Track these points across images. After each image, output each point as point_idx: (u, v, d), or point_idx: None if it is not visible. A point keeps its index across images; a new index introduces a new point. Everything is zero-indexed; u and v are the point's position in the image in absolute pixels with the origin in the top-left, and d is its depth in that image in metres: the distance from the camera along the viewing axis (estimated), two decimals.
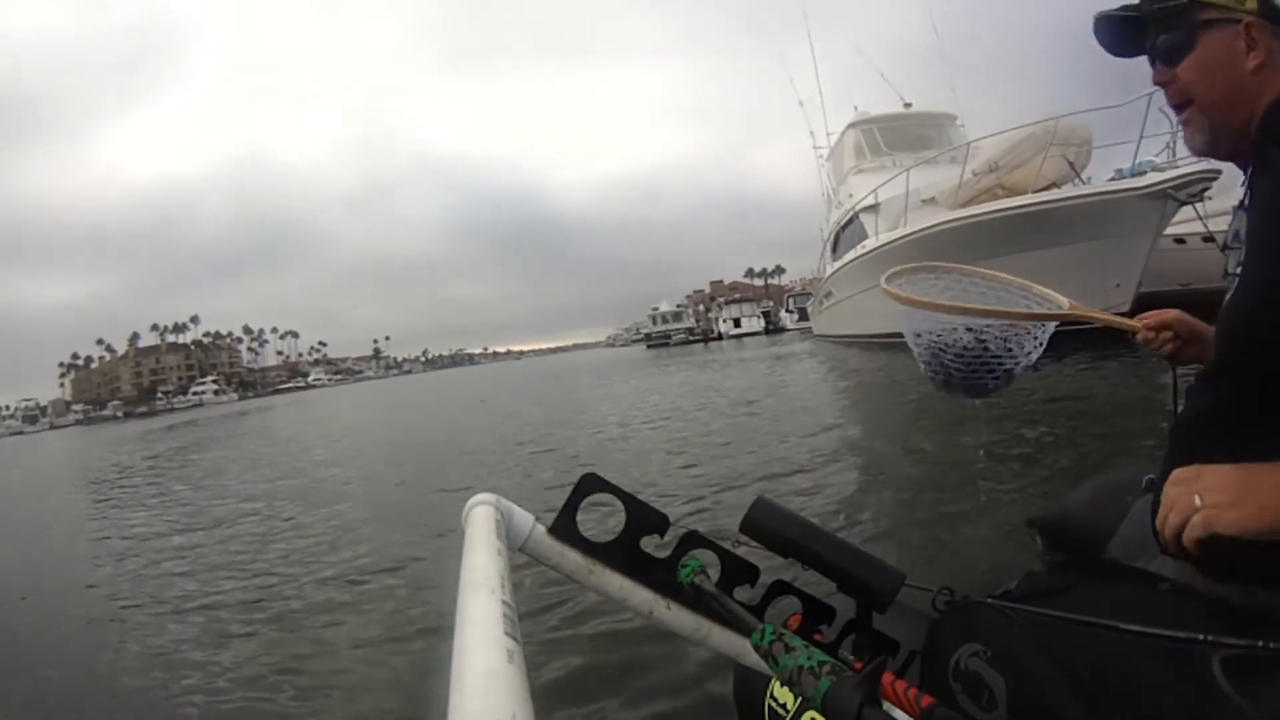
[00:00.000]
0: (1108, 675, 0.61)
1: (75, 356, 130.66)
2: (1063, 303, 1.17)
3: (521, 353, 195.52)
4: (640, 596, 0.85)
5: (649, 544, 0.87)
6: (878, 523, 2.76)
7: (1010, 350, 1.12)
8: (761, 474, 3.92)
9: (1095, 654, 0.62)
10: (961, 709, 0.68)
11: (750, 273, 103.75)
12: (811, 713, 0.77)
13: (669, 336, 53.12)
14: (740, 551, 0.88)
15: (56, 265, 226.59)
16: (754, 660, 0.76)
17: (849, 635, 0.86)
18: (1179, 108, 0.84)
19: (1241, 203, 0.78)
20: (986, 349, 1.11)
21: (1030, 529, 1.86)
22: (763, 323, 52.04)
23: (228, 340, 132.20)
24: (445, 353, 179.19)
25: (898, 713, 0.64)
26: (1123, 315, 1.12)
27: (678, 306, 62.38)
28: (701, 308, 72.92)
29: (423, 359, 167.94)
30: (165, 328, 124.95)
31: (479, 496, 0.78)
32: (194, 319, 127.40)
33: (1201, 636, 0.57)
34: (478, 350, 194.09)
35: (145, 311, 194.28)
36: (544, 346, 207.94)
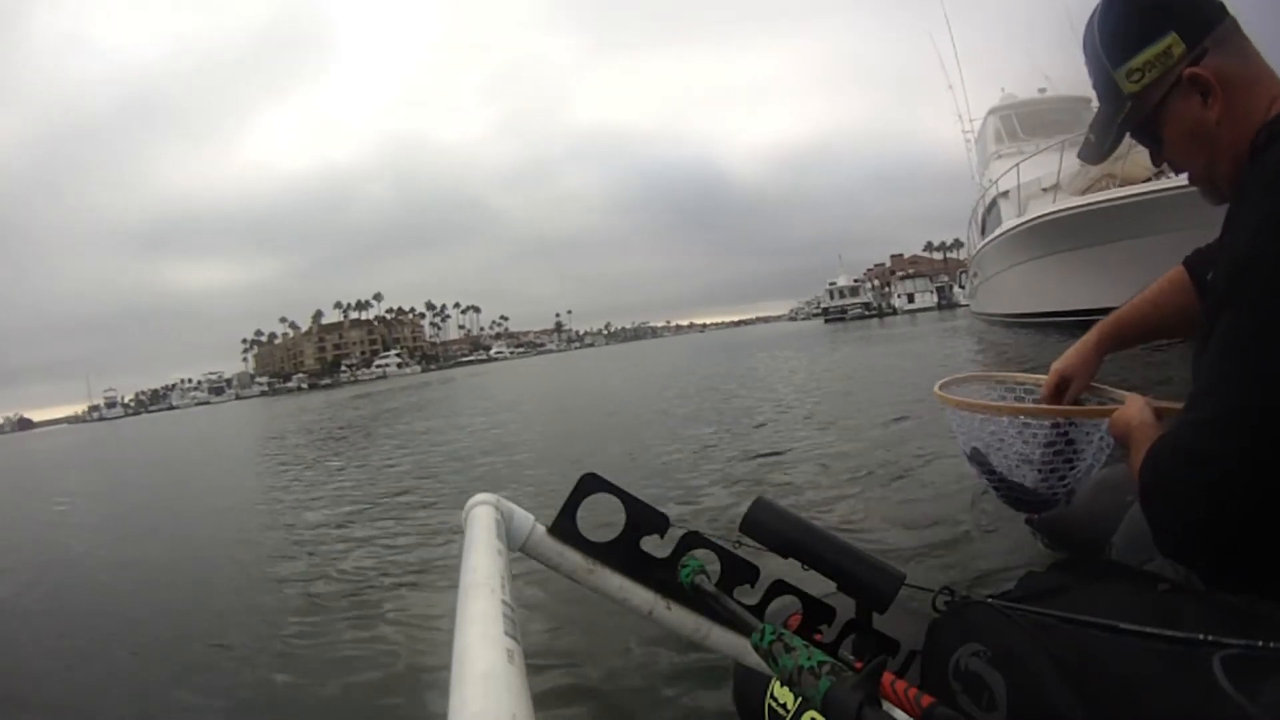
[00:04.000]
0: (1108, 675, 0.61)
1: (258, 333, 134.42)
2: (1123, 398, 1.08)
3: (704, 326, 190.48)
4: (640, 596, 0.85)
5: (649, 544, 0.87)
6: (876, 522, 2.76)
7: (1078, 455, 1.06)
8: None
9: (1096, 654, 0.62)
10: (962, 709, 0.68)
11: (929, 246, 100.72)
12: (811, 713, 0.77)
13: (845, 311, 54.12)
14: (740, 551, 0.88)
15: (236, 251, 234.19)
16: (754, 660, 0.76)
17: (849, 635, 0.86)
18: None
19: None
20: (1059, 453, 1.06)
21: (1030, 528, 1.86)
22: (935, 298, 52.09)
23: (410, 315, 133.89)
24: (627, 326, 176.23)
25: (898, 712, 0.64)
26: None
27: (854, 281, 63.23)
28: (877, 282, 72.72)
29: (604, 332, 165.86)
30: (348, 305, 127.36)
31: (479, 496, 0.78)
32: (377, 296, 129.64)
33: (1202, 636, 0.57)
34: (660, 323, 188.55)
35: (329, 290, 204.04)
36: (727, 320, 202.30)
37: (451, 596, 0.52)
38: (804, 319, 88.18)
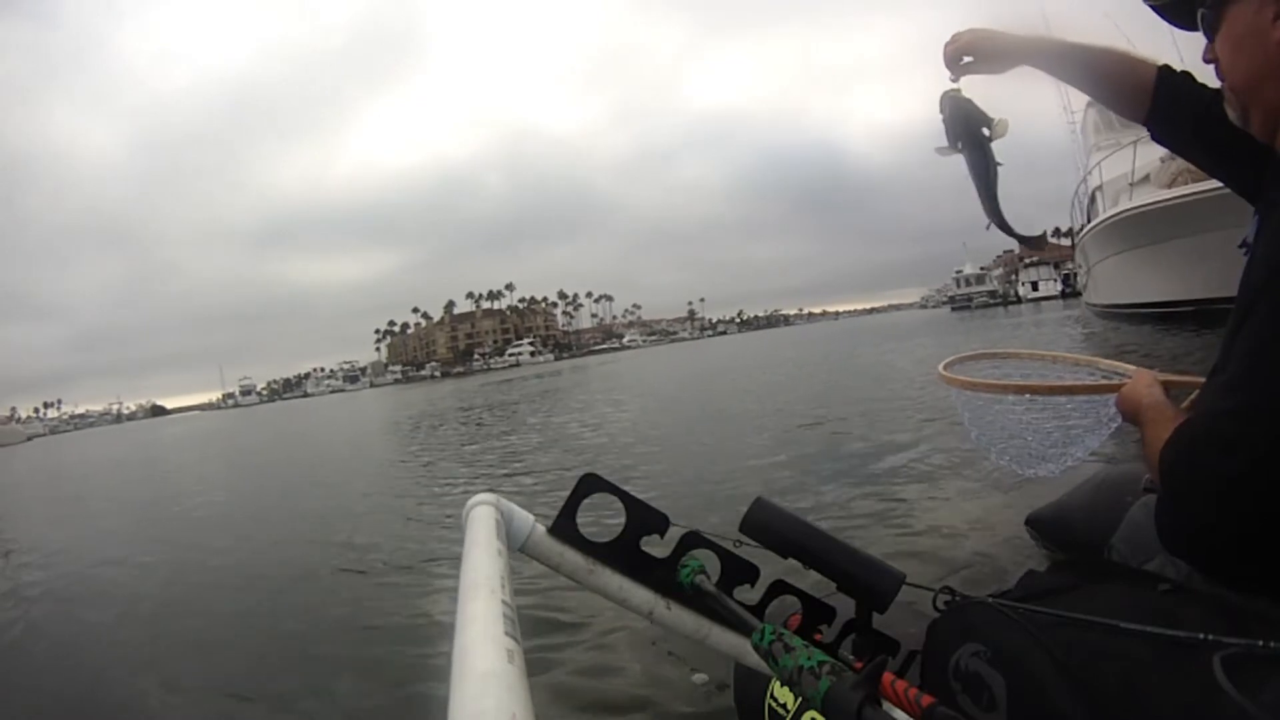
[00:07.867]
0: (1108, 674, 0.61)
1: (391, 324, 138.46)
2: (1130, 372, 1.10)
3: (838, 314, 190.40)
4: (640, 596, 0.85)
5: (649, 544, 0.87)
6: (876, 521, 2.76)
7: (1086, 430, 1.07)
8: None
9: (1096, 653, 0.62)
10: (962, 709, 0.68)
11: (1058, 232, 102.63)
12: (811, 713, 0.77)
13: (970, 300, 55.77)
14: (740, 551, 0.88)
15: (363, 244, 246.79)
16: (754, 660, 0.76)
17: (849, 635, 0.86)
18: (1222, 82, 0.78)
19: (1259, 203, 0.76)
20: (1064, 426, 1.07)
21: (1029, 528, 1.86)
22: (1060, 286, 51.08)
23: (543, 305, 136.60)
24: (760, 314, 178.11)
25: (898, 712, 0.64)
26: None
27: (980, 269, 64.51)
28: (1003, 270, 73.10)
29: (737, 320, 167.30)
30: (480, 295, 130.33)
31: (479, 497, 0.78)
32: (509, 286, 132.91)
33: (1202, 636, 0.57)
34: (793, 311, 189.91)
35: (460, 281, 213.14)
36: (860, 307, 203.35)
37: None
38: (933, 307, 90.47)
